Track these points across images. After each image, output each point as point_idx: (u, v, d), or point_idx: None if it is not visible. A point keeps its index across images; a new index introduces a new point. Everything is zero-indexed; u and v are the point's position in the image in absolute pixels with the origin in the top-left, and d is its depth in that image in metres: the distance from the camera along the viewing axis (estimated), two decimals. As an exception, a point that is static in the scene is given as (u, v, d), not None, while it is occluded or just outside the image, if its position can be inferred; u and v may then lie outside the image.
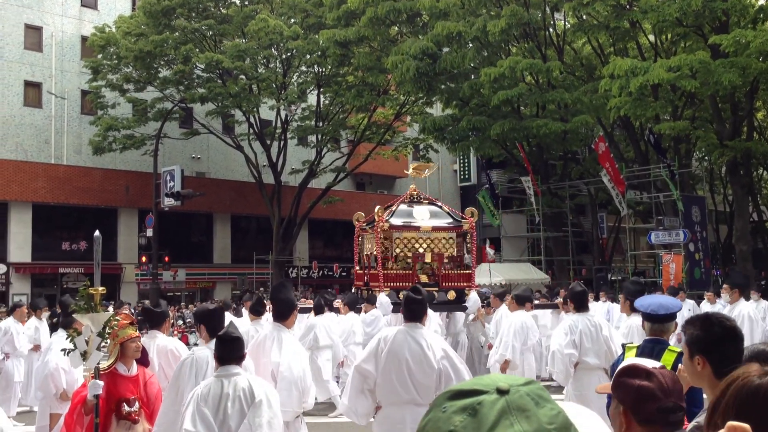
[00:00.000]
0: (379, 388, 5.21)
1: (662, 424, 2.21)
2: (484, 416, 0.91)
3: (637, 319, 7.91)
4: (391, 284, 13.20)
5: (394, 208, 13.68)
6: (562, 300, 12.83)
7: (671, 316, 4.31)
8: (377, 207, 13.47)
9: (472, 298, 12.59)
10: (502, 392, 0.94)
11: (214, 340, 5.16)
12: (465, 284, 13.11)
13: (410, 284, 13.34)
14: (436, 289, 12.49)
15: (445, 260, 13.70)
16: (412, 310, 5.34)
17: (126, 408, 4.98)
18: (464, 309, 12.31)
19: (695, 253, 26.32)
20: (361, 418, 5.34)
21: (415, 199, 13.65)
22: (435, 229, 13.25)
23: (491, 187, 32.56)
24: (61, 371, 6.96)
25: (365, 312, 12.76)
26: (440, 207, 13.84)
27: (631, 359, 2.73)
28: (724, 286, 12.67)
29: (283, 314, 5.69)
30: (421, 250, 13.28)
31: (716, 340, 2.67)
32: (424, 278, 13.18)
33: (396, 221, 13.38)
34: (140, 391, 5.14)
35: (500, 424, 0.91)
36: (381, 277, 13.18)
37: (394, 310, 12.83)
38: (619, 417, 2.25)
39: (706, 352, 2.64)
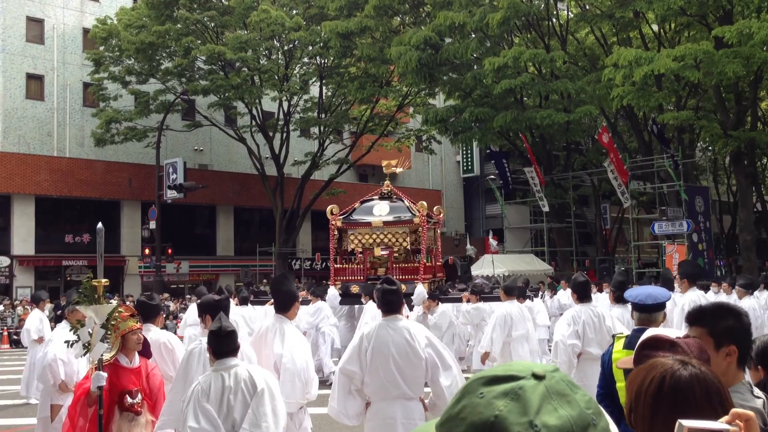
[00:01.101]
0: (367, 386, 5.14)
1: None
2: (528, 400, 0.92)
3: (618, 310, 7.94)
4: (342, 278, 14.48)
5: (356, 204, 14.41)
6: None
7: (660, 306, 4.35)
8: (329, 206, 14.51)
9: (417, 291, 13.01)
10: (538, 377, 0.95)
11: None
12: (413, 277, 13.79)
13: (362, 278, 14.06)
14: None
15: (396, 254, 14.14)
16: (390, 302, 5.21)
17: (129, 400, 4.99)
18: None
19: (699, 244, 26.29)
20: (353, 419, 5.23)
21: (386, 196, 14.35)
22: (386, 224, 13.97)
23: (503, 175, 32.52)
24: (59, 362, 6.98)
25: (312, 303, 13.59)
26: (402, 201, 14.65)
27: (653, 330, 2.70)
28: (675, 276, 12.66)
29: (285, 306, 5.68)
30: (373, 245, 14.00)
31: (747, 330, 2.67)
32: (381, 271, 14.16)
33: (358, 217, 14.42)
34: (143, 383, 5.14)
35: (544, 408, 0.91)
36: (332, 270, 14.32)
37: (341, 302, 14.09)
38: None
39: (738, 342, 2.61)
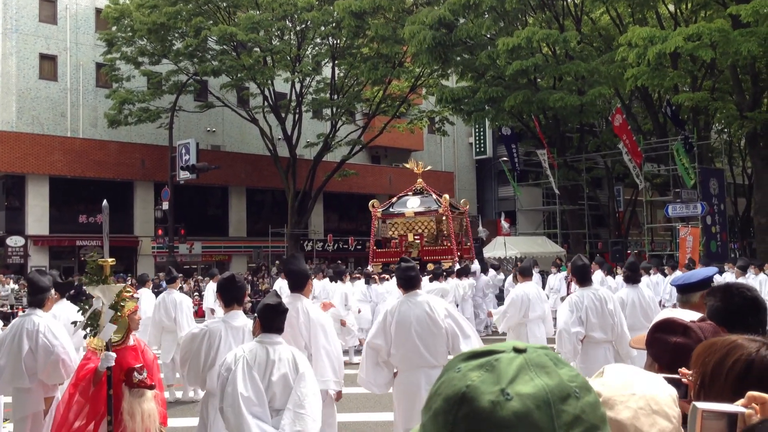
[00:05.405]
0: (393, 357, 5.60)
1: None
2: (503, 371, 0.90)
3: (626, 290, 8.14)
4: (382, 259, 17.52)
5: (393, 200, 17.93)
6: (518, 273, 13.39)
7: (688, 287, 4.28)
8: (371, 201, 17.80)
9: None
10: (519, 351, 0.93)
11: (233, 312, 5.23)
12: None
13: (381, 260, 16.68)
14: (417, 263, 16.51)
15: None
16: (408, 279, 5.69)
17: (137, 376, 5.03)
18: None
19: (712, 226, 26.09)
20: (381, 387, 5.75)
21: (419, 192, 16.92)
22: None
23: (512, 158, 32.34)
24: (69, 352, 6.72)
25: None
26: (430, 194, 17.70)
27: (668, 311, 2.66)
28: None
29: (299, 285, 5.80)
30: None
31: (736, 311, 2.58)
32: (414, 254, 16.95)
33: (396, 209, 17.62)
34: (140, 359, 5.19)
35: (519, 378, 0.89)
36: (372, 253, 17.47)
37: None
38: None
39: (727, 324, 2.50)
